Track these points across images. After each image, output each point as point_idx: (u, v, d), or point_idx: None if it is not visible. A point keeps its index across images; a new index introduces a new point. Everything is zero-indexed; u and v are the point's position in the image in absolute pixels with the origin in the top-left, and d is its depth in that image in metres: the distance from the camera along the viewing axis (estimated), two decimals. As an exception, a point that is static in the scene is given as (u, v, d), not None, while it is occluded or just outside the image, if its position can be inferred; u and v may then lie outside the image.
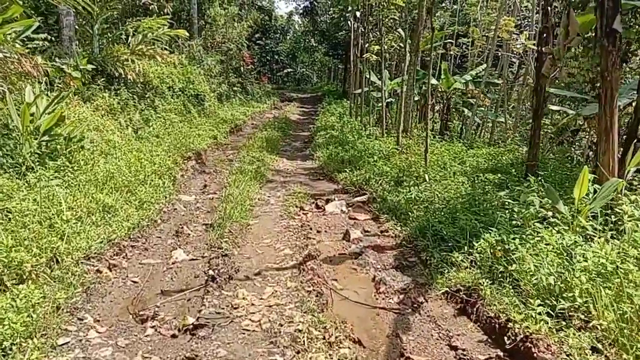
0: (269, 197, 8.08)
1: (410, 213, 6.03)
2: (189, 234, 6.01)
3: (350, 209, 7.13)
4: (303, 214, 6.90)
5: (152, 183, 7.54)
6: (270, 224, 6.53)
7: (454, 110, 17.26)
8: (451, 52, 18.59)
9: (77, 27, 13.59)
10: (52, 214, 5.20)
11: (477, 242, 4.50)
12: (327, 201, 7.62)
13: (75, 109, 10.37)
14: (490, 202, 5.73)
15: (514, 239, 4.20)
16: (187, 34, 16.50)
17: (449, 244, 4.78)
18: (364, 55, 16.79)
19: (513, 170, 8.80)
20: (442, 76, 15.89)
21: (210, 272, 4.63)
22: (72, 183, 6.56)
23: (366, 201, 7.32)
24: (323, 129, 16.09)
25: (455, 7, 22.93)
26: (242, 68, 25.29)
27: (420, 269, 4.78)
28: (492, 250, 4.23)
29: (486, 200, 5.74)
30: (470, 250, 4.48)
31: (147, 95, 14.40)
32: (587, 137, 13.43)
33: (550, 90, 15.75)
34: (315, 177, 10.08)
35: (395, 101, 19.35)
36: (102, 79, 12.70)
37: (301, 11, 45.39)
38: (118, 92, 13.33)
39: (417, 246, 5.20)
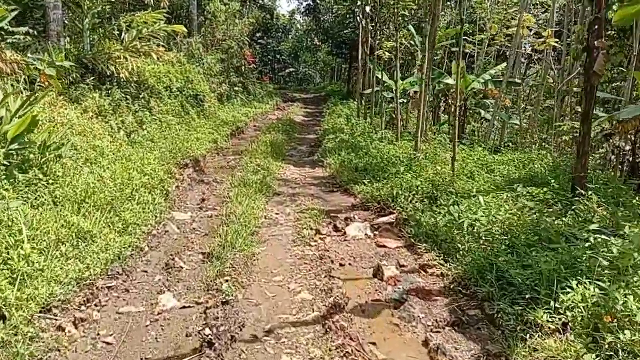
0: (277, 214, 6.94)
1: (457, 244, 4.85)
2: (182, 268, 4.86)
3: (376, 232, 5.97)
4: (320, 238, 5.73)
5: (141, 199, 6.40)
6: (281, 252, 5.39)
7: (471, 112, 16.10)
8: (466, 50, 17.42)
9: (66, 22, 12.44)
10: (6, 247, 4.06)
11: (564, 294, 3.36)
12: (347, 221, 6.48)
13: (59, 111, 9.25)
14: (555, 229, 4.59)
15: (624, 294, 3.06)
16: (186, 30, 15.37)
17: (524, 294, 3.61)
18: (375, 53, 15.63)
19: (553, 181, 7.66)
20: (454, 75, 14.74)
21: (207, 331, 3.48)
22: (43, 201, 5.43)
23: (394, 223, 6.15)
24: (331, 132, 14.94)
25: (463, 4, 21.77)
26: (243, 67, 24.14)
27: (488, 329, 3.60)
28: (592, 311, 3.08)
29: (554, 228, 4.59)
30: (558, 306, 3.33)
31: (141, 96, 13.27)
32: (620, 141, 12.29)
33: (574, 89, 14.65)
34: (328, 189, 8.95)
35: (407, 102, 18.20)
36: (93, 78, 11.59)
37: (303, 10, 44.26)
38: (110, 92, 12.24)
39: (476, 293, 4.03)
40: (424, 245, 5.21)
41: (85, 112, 10.38)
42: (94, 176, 6.85)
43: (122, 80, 13.00)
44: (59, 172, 6.51)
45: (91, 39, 13.30)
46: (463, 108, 15.46)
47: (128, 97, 13.03)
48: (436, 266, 4.66)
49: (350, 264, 4.97)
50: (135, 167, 7.67)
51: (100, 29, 13.55)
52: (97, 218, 5.36)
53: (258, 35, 38.45)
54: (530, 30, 16.44)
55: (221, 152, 13.14)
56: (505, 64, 15.83)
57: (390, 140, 13.43)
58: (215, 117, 17.64)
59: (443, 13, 22.44)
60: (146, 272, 4.79)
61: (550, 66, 15.56)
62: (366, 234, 5.87)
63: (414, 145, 11.21)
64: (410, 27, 18.24)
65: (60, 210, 5.27)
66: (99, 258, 4.57)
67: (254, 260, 5.03)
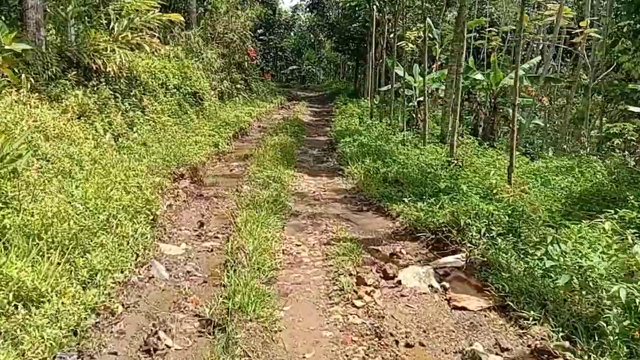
0: (298, 246, 5.35)
1: (584, 312, 3.23)
2: (168, 348, 3.26)
3: (444, 282, 4.34)
4: (366, 292, 4.10)
5: (119, 229, 4.80)
6: (313, 316, 3.79)
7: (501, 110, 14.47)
8: (493, 44, 15.77)
9: (47, 9, 10.84)
10: None
11: None
12: (394, 258, 4.88)
13: (31, 111, 7.69)
14: None
15: None
16: (182, 18, 13.78)
17: None
18: (394, 46, 13.99)
19: (631, 197, 6.07)
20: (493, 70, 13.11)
21: None
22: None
23: (464, 266, 4.50)
24: (345, 133, 13.33)
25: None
26: (246, 63, 22.50)
27: None
28: None
29: None
30: None
31: (132, 93, 11.68)
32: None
33: (629, 87, 13.03)
34: (356, 206, 7.33)
35: (429, 99, 16.61)
36: (75, 73, 10.05)
37: (305, 7, 42.69)
38: (97, 89, 10.68)
39: None
40: (525, 309, 3.58)
41: (65, 112, 8.84)
42: (61, 197, 5.25)
43: (111, 75, 11.43)
44: (12, 192, 4.92)
45: (76, 29, 11.73)
46: (492, 107, 13.84)
47: (117, 94, 11.49)
48: (562, 354, 3.02)
49: (421, 343, 3.32)
50: (117, 181, 6.07)
51: (86, 17, 11.93)
52: (52, 263, 3.78)
53: (259, 31, 36.88)
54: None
55: (223, 157, 11.55)
56: (538, 58, 14.23)
57: (415, 144, 11.84)
58: (215, 116, 16.05)
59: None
60: (115, 355, 3.18)
61: (585, 60, 13.92)
62: (430, 285, 4.21)
63: (448, 150, 9.61)
64: (429, 19, 16.62)
65: (-2, 255, 3.69)
66: (41, 339, 2.97)
67: (275, 333, 3.42)
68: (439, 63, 18.17)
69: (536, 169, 9.25)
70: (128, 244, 4.62)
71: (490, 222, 4.77)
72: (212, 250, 5.19)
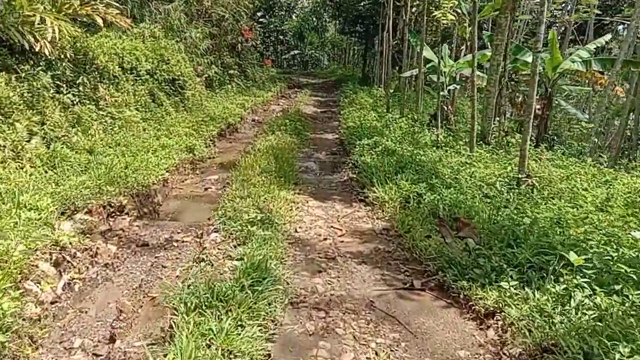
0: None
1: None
2: None
3: None
4: None
5: None
6: None
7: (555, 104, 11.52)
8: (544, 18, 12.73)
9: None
10: None
11: None
12: None
13: None
14: None
15: None
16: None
17: None
18: (423, 19, 10.96)
19: None
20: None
21: None
22: None
23: None
24: (362, 132, 10.45)
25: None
26: (240, 45, 19.50)
27: None
28: None
29: None
30: None
31: (78, 82, 8.80)
32: None
33: None
34: (398, 274, 4.36)
35: (461, 87, 13.71)
36: (-1, 54, 7.25)
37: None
38: (35, 75, 8.00)
39: None
40: None
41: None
42: None
43: (53, 58, 8.66)
44: None
45: (3, -4, 8.77)
46: (547, 98, 10.89)
47: (61, 83, 8.67)
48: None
49: None
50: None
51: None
52: None
53: (259, 14, 33.72)
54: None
55: (199, 166, 8.72)
56: (607, 36, 11.24)
57: (452, 146, 8.96)
58: (200, 108, 13.19)
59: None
60: None
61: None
62: None
63: (519, 161, 6.74)
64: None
65: None
66: None
67: None
68: (469, 44, 15.17)
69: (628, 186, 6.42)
70: None
71: None
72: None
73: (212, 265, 3.81)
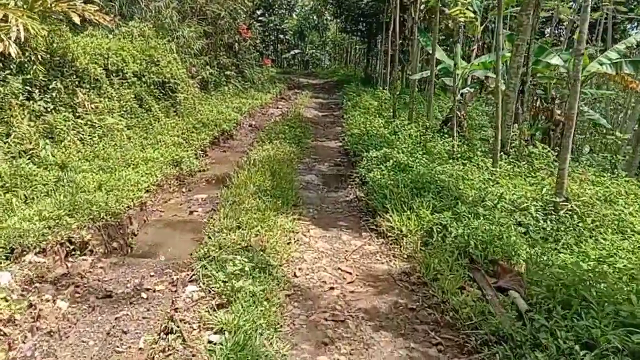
0: None
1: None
2: None
3: None
4: None
5: None
6: None
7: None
8: (561, 16, 11.80)
9: None
10: None
11: None
12: None
13: None
14: None
15: None
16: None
17: None
18: (437, 16, 9.97)
19: None
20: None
21: None
22: None
23: None
24: (365, 139, 9.51)
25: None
26: (237, 45, 18.53)
27: None
28: None
29: None
30: None
31: (52, 87, 7.85)
32: None
33: None
34: (428, 346, 3.31)
35: (475, 90, 12.77)
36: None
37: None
38: (4, 80, 7.17)
39: None
40: None
41: None
42: None
43: (24, 61, 7.79)
44: None
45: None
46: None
47: (33, 88, 7.78)
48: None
49: None
50: None
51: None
52: None
53: (258, 12, 32.75)
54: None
55: (186, 181, 7.76)
56: (639, 35, 10.23)
57: (476, 162, 8.00)
58: (192, 114, 12.24)
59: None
60: None
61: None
62: None
63: (556, 183, 5.79)
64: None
65: None
66: None
67: None
68: (480, 43, 14.24)
69: None
70: None
71: None
72: None
73: (184, 340, 2.88)
